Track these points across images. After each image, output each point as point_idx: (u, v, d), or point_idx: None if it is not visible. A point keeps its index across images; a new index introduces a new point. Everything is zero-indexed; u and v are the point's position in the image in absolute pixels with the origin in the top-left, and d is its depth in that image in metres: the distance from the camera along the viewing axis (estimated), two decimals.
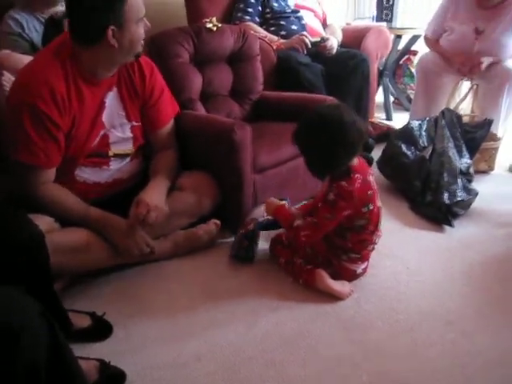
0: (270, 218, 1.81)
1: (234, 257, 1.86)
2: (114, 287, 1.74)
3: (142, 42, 1.70)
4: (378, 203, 1.68)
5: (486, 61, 2.72)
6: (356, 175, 1.59)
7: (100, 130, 1.75)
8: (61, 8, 2.36)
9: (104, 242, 1.71)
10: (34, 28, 2.34)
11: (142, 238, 1.73)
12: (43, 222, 1.56)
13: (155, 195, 1.75)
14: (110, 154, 1.81)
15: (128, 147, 1.86)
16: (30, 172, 1.65)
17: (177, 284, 1.75)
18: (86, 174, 1.79)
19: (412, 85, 3.89)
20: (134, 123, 1.85)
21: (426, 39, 3.09)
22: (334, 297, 1.65)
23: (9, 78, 2.02)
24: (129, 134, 1.85)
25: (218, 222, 1.94)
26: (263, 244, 1.91)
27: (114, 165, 1.84)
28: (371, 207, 1.63)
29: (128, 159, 1.87)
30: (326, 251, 1.70)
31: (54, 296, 1.34)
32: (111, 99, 1.76)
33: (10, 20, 2.32)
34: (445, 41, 2.92)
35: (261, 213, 1.86)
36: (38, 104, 1.56)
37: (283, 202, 1.79)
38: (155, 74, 1.87)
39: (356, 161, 1.62)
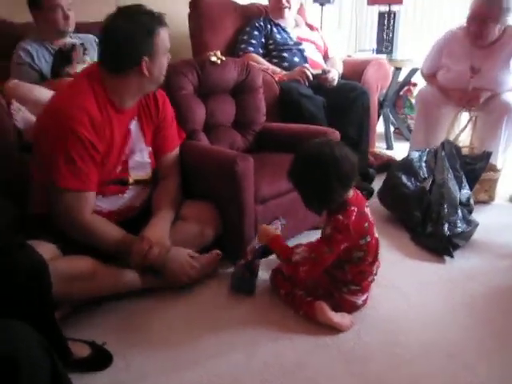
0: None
1: (235, 289, 1.86)
2: (115, 316, 1.73)
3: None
4: (376, 234, 1.69)
5: (483, 95, 2.77)
6: (352, 208, 1.60)
7: (122, 155, 1.81)
8: (69, 40, 2.43)
9: (108, 269, 1.73)
10: (43, 58, 2.41)
11: (188, 263, 1.79)
12: (46, 250, 1.57)
13: (158, 231, 1.79)
14: (131, 181, 1.86)
15: (146, 172, 1.92)
16: (76, 199, 1.67)
17: (178, 313, 1.75)
18: (103, 203, 1.81)
19: (412, 115, 3.95)
20: (151, 148, 1.92)
21: (423, 75, 3.15)
22: (334, 328, 1.64)
23: (17, 107, 2.07)
24: (147, 159, 1.91)
25: (219, 252, 1.95)
26: (264, 274, 1.92)
27: (130, 192, 1.88)
28: (369, 239, 1.64)
29: (141, 186, 1.92)
30: (326, 283, 1.70)
31: (54, 325, 1.34)
32: (134, 126, 1.84)
33: (21, 50, 2.39)
34: (442, 78, 2.97)
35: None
36: (79, 129, 1.61)
37: (278, 223, 1.81)
38: (167, 103, 1.97)
39: (352, 193, 1.64)
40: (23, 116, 2.09)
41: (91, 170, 1.68)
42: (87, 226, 1.70)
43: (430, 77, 3.06)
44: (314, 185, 1.58)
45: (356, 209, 1.61)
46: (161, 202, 1.91)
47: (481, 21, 2.70)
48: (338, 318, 1.65)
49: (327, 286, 1.70)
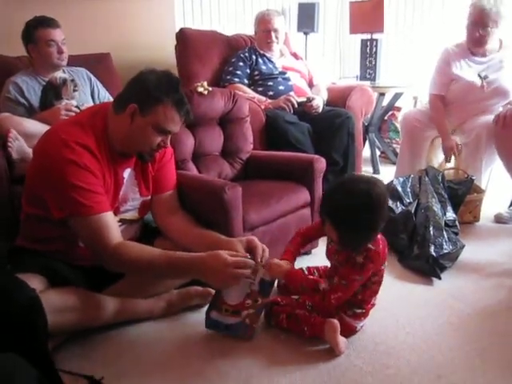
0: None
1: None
2: (109, 347, 1.72)
3: (155, 153, 1.80)
4: None
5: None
6: (378, 236, 1.66)
7: (115, 202, 1.81)
8: (61, 74, 2.47)
9: (99, 300, 1.73)
10: (33, 90, 2.44)
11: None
12: (36, 282, 1.59)
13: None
14: (117, 219, 1.82)
15: (134, 214, 1.92)
16: (103, 225, 1.64)
17: (171, 344, 1.74)
18: None
19: (397, 139, 4.03)
20: (146, 198, 1.92)
21: (430, 96, 3.08)
22: (325, 353, 1.65)
23: (15, 136, 2.09)
24: (137, 206, 1.92)
25: (211, 290, 1.91)
26: None
27: None
28: (386, 264, 1.71)
29: (127, 224, 1.91)
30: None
31: (48, 360, 1.33)
32: (128, 175, 1.84)
33: (10, 85, 2.42)
34: (453, 91, 2.99)
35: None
36: (78, 158, 1.59)
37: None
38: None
39: None
40: (19, 146, 2.11)
41: (100, 192, 1.66)
42: (122, 256, 1.63)
43: (437, 101, 3.03)
44: (361, 226, 1.56)
45: (381, 236, 1.67)
46: (198, 226, 1.91)
47: (482, 27, 2.81)
48: (342, 342, 1.66)
49: (330, 308, 1.71)
